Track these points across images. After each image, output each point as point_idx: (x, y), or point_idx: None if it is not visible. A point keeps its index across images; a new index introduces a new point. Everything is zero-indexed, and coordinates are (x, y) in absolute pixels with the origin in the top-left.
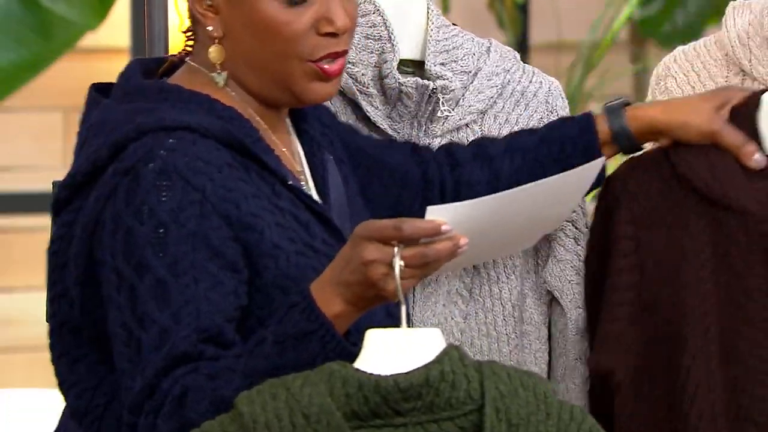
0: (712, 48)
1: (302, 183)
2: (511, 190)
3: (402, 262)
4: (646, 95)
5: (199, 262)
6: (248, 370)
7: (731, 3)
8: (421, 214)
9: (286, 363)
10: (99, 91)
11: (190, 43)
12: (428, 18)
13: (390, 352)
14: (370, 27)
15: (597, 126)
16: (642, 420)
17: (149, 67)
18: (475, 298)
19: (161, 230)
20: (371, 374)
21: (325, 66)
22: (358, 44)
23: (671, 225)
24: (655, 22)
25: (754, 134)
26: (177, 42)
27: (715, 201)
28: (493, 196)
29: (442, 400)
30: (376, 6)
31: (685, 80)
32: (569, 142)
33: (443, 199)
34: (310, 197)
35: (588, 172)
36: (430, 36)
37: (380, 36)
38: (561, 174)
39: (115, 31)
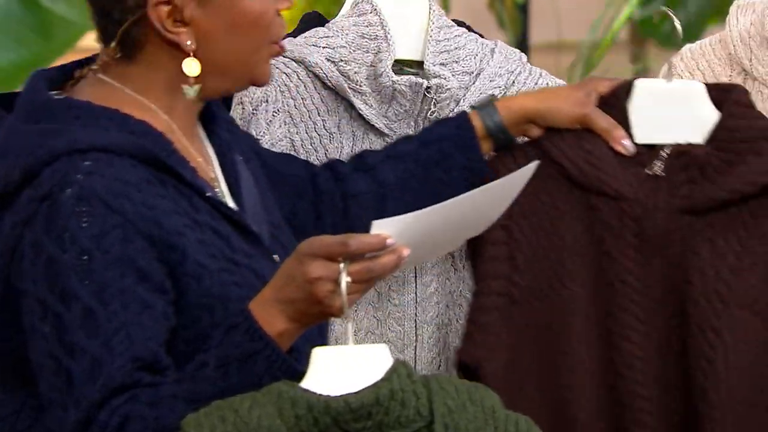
0: (717, 47)
1: (217, 190)
2: (449, 201)
3: (349, 278)
4: None
5: (128, 286)
6: (191, 395)
7: (735, 2)
8: (317, 227)
9: (232, 385)
10: (1, 103)
11: (106, 58)
12: (429, 18)
13: (337, 370)
14: (367, 26)
15: (472, 122)
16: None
17: (53, 79)
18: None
19: (85, 257)
20: (320, 395)
21: (282, 43)
22: (353, 43)
23: (546, 213)
24: (655, 22)
25: (624, 123)
26: None
27: (589, 187)
28: (433, 207)
29: (392, 418)
30: (373, 5)
31: (690, 79)
32: (447, 143)
33: (334, 212)
34: (228, 208)
35: (520, 178)
36: (431, 36)
37: (376, 35)
38: (495, 182)
39: None
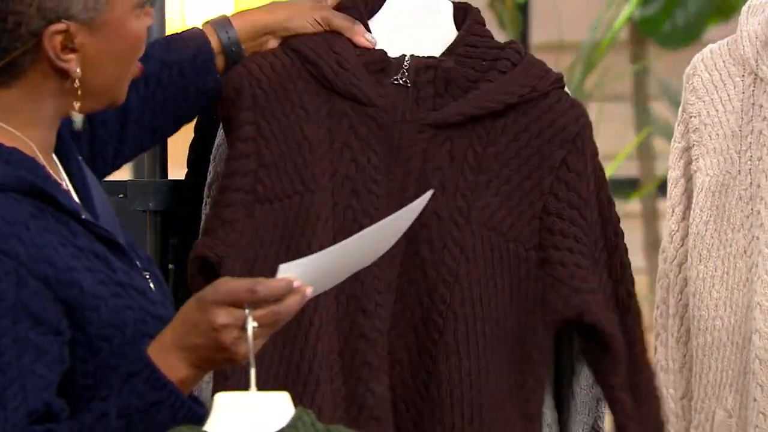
0: (732, 47)
1: (72, 198)
2: (350, 239)
3: (255, 324)
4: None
5: (21, 334)
6: None
7: (747, 3)
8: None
9: None
10: None
11: None
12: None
13: (239, 416)
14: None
15: (210, 40)
16: None
17: None
18: None
19: None
20: None
21: (138, 63)
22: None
23: (295, 114)
24: (655, 22)
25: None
26: None
27: (340, 90)
28: (335, 246)
29: None
30: None
31: (708, 79)
32: (188, 63)
33: (93, 140)
34: (100, 227)
35: (412, 210)
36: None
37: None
38: (390, 217)
39: None
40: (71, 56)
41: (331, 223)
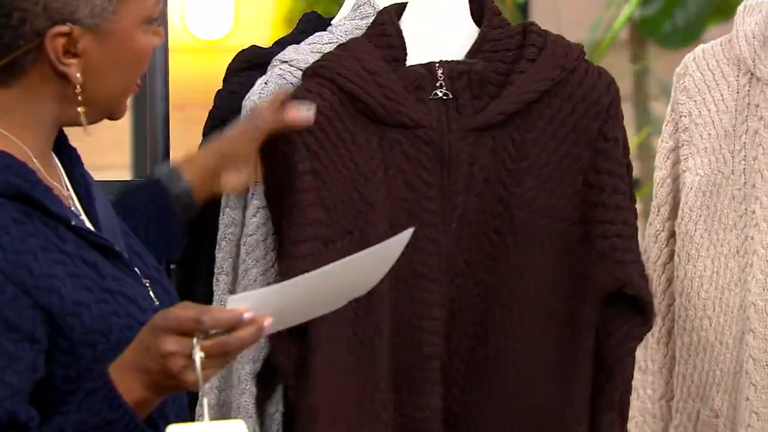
0: (726, 47)
1: (74, 209)
2: (316, 271)
3: (202, 354)
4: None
5: None
6: None
7: (743, 3)
8: None
9: None
10: None
11: None
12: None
13: None
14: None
15: (166, 195)
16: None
17: None
18: None
19: None
20: None
21: (138, 80)
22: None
23: (347, 150)
24: (655, 22)
25: (402, 46)
26: (176, 45)
27: (387, 120)
28: (295, 279)
29: None
30: (375, 8)
31: (701, 79)
32: (152, 222)
33: None
34: (93, 234)
35: (396, 244)
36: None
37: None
38: (366, 250)
39: None
40: (72, 61)
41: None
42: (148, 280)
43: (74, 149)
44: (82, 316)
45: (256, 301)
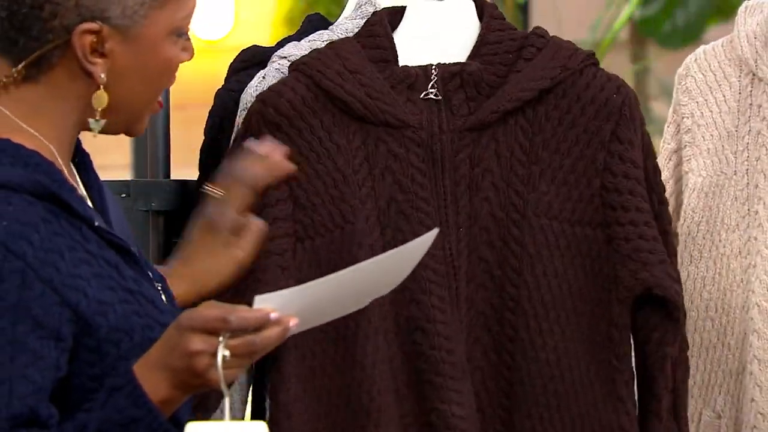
0: (727, 48)
1: (86, 205)
2: (342, 272)
3: (227, 353)
4: (647, 95)
5: (19, 336)
6: None
7: (744, 3)
8: None
9: None
10: None
11: (5, 80)
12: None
13: None
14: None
15: None
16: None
17: None
18: None
19: None
20: None
21: (160, 100)
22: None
23: (325, 149)
24: (656, 22)
25: (391, 48)
26: None
27: (371, 119)
28: (321, 280)
29: None
30: (376, 7)
31: (703, 80)
32: None
33: None
34: (114, 235)
35: (420, 245)
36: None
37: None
38: (391, 252)
39: None
40: (99, 60)
41: (381, 246)
42: (159, 285)
43: (87, 153)
44: (107, 315)
45: (282, 300)
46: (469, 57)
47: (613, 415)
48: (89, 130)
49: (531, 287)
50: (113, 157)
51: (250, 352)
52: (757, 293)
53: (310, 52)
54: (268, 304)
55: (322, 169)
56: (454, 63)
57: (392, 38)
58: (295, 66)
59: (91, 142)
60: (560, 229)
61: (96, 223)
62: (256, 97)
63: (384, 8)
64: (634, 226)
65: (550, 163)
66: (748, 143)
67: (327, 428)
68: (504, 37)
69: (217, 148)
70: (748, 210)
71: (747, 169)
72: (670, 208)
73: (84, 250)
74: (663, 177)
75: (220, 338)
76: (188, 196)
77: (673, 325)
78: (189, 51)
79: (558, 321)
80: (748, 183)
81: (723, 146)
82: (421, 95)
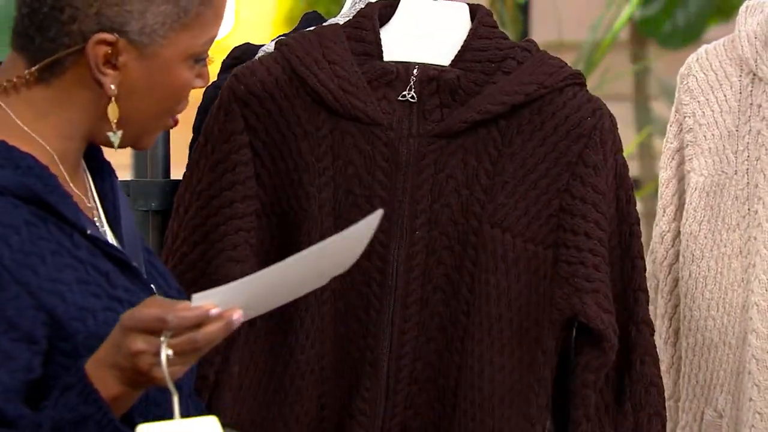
0: (729, 47)
1: (96, 220)
2: (287, 261)
3: (170, 352)
4: (647, 95)
5: None
6: None
7: (745, 3)
8: None
9: None
10: None
11: (15, 79)
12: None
13: None
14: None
15: None
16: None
17: None
18: None
19: None
20: None
21: (176, 117)
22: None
23: (291, 133)
24: (656, 22)
25: (377, 43)
26: None
27: (341, 113)
28: (264, 271)
29: None
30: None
31: (704, 79)
32: None
33: None
34: (109, 245)
35: (368, 224)
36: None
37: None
38: (339, 234)
39: None
40: (111, 72)
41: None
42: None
43: (108, 163)
44: (86, 321)
45: (222, 296)
46: (453, 61)
47: None
48: (107, 144)
49: (480, 296)
50: (113, 158)
51: (192, 349)
52: (756, 293)
53: (296, 35)
54: (207, 300)
55: (285, 152)
56: (434, 66)
57: (378, 33)
58: (278, 45)
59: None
60: (511, 242)
61: (89, 232)
62: (232, 71)
63: (378, 1)
64: (577, 250)
65: (514, 176)
66: (748, 143)
67: (260, 407)
68: (490, 45)
69: None
70: (749, 209)
71: (747, 169)
72: (674, 207)
73: (71, 255)
74: (666, 176)
75: (162, 338)
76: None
77: (596, 354)
78: (204, 78)
79: (491, 332)
80: (748, 182)
81: (724, 146)
82: (398, 96)
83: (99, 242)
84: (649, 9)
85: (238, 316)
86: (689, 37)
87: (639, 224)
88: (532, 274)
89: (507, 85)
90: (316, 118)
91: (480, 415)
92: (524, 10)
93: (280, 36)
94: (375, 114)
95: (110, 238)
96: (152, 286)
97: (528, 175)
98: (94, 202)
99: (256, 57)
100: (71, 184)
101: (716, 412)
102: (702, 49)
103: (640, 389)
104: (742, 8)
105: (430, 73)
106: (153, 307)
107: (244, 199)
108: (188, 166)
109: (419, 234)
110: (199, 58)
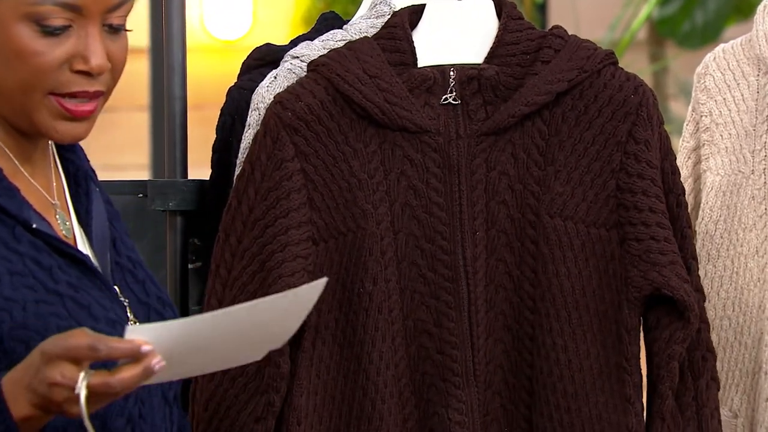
0: (746, 47)
1: (57, 217)
2: (218, 311)
3: (85, 391)
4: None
5: None
6: None
7: (763, 2)
8: None
9: None
10: None
11: None
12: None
13: None
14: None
15: None
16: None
17: None
18: None
19: None
20: None
21: (68, 104)
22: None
23: (340, 152)
24: (674, 22)
25: (410, 49)
26: (194, 45)
27: (388, 125)
28: (199, 316)
29: None
30: (391, 8)
31: (721, 78)
32: None
33: None
34: (57, 240)
35: (310, 291)
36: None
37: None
38: (278, 295)
39: (134, 31)
40: None
41: (393, 250)
42: (127, 300)
43: (84, 168)
44: (12, 311)
45: (155, 334)
46: (487, 58)
47: (622, 417)
48: (45, 135)
49: (545, 287)
50: (131, 157)
51: (107, 393)
52: None
53: (329, 52)
54: (140, 335)
55: (337, 173)
56: (471, 66)
57: (412, 41)
58: (314, 66)
59: (109, 141)
60: (574, 229)
61: (34, 226)
62: (274, 98)
63: (404, 8)
64: (645, 226)
65: (566, 164)
66: (765, 142)
67: None
68: (522, 37)
69: (228, 146)
70: (765, 209)
71: (764, 168)
72: (689, 207)
73: (7, 248)
74: (682, 176)
75: (82, 374)
76: (206, 195)
77: (682, 325)
78: (61, 46)
79: (570, 322)
80: (765, 182)
81: (741, 145)
82: (441, 100)
83: (45, 236)
84: (667, 8)
85: (160, 364)
86: (708, 36)
87: (685, 195)
88: (600, 256)
89: (549, 74)
90: (363, 135)
91: (575, 405)
92: (542, 9)
93: (296, 37)
94: (422, 121)
95: (80, 238)
96: (116, 287)
97: (579, 161)
98: (65, 200)
99: (274, 74)
100: (30, 178)
101: (731, 412)
102: (719, 48)
103: (698, 357)
104: (760, 7)
105: (469, 73)
106: (82, 337)
107: (300, 225)
108: (234, 196)
109: (480, 235)
110: (42, 22)
